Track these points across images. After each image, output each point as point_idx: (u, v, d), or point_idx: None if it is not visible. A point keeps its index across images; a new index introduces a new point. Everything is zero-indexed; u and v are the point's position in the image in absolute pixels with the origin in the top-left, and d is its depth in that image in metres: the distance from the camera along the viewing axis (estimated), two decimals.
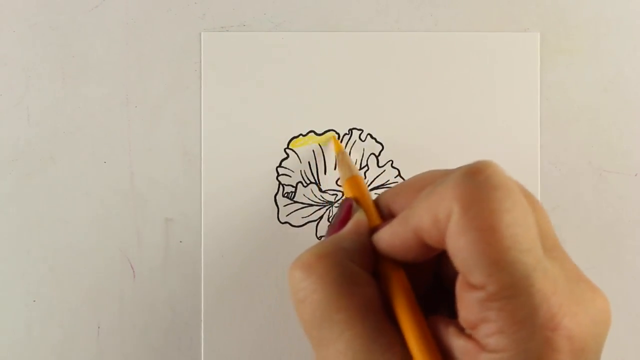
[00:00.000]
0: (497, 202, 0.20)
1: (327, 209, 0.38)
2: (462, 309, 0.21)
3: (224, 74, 0.38)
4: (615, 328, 0.39)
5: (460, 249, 0.20)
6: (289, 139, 0.38)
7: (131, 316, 0.38)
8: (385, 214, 0.27)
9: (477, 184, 0.20)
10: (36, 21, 0.38)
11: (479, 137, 0.39)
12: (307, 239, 0.38)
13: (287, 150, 0.38)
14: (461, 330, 0.21)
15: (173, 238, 0.38)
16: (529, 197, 0.23)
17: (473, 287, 0.20)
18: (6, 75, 0.38)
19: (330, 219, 0.38)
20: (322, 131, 0.38)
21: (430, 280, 0.26)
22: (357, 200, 0.28)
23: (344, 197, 0.29)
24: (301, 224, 0.38)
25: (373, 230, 0.25)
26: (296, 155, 0.38)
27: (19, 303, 0.38)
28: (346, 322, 0.22)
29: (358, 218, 0.26)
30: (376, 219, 0.27)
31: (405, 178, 0.39)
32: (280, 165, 0.38)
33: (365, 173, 0.39)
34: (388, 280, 0.24)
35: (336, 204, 0.39)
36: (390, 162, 0.39)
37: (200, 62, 0.38)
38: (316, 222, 0.38)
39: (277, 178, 0.38)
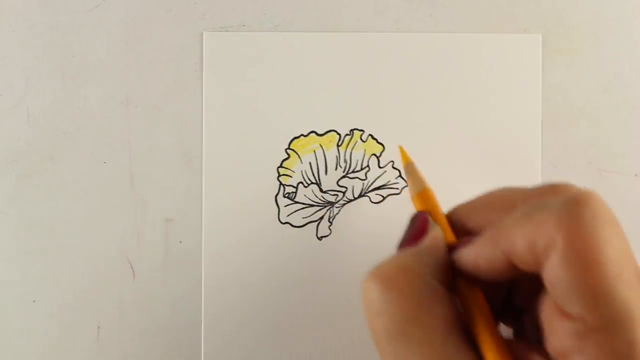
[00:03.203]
0: (603, 236, 0.20)
1: (327, 210, 0.39)
2: (553, 336, 0.21)
3: (226, 74, 0.38)
4: None
5: (562, 279, 0.20)
6: (290, 139, 0.38)
7: (131, 316, 0.38)
8: (458, 231, 0.26)
9: (583, 216, 0.20)
10: (36, 21, 0.38)
11: (480, 138, 0.39)
12: (307, 239, 0.38)
13: (288, 151, 0.38)
14: (545, 356, 0.21)
15: (173, 238, 0.38)
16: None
17: (568, 316, 0.20)
18: (6, 75, 0.38)
19: (330, 219, 0.38)
20: (324, 132, 0.38)
21: (502, 299, 0.25)
22: (429, 215, 0.28)
23: (416, 211, 0.29)
24: (302, 224, 0.38)
25: (449, 247, 0.25)
26: (297, 156, 0.38)
27: (19, 303, 0.38)
28: (425, 338, 0.21)
29: (436, 233, 0.26)
30: (451, 236, 0.26)
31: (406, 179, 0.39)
32: (281, 166, 0.38)
33: (366, 174, 0.39)
34: (466, 300, 0.23)
35: (337, 205, 0.39)
36: (392, 162, 0.39)
37: (202, 62, 0.38)
38: (317, 223, 0.38)
39: (278, 178, 0.38)
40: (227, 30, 0.38)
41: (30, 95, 0.38)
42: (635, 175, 0.39)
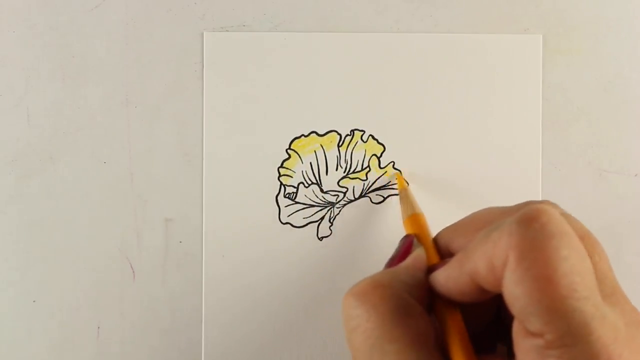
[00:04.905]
0: (553, 250, 0.20)
1: (328, 210, 0.39)
2: (520, 353, 0.21)
3: (226, 74, 0.38)
4: None
5: (517, 297, 0.20)
6: (290, 140, 0.38)
7: (131, 316, 0.38)
8: (444, 253, 0.27)
9: (532, 232, 0.20)
10: (36, 21, 0.38)
11: (480, 138, 0.39)
12: (308, 239, 0.38)
13: (289, 151, 0.38)
14: None
15: (173, 238, 0.38)
16: (587, 238, 0.23)
17: (531, 333, 0.20)
18: (6, 75, 0.38)
19: (331, 220, 0.39)
20: (324, 132, 0.38)
21: (491, 317, 0.26)
22: (417, 237, 0.29)
23: (405, 234, 0.30)
24: (302, 224, 0.38)
25: (431, 268, 0.25)
26: (298, 156, 0.38)
27: (19, 303, 0.38)
28: (398, 353, 0.21)
29: (417, 254, 0.26)
30: (435, 257, 0.27)
31: (407, 179, 0.39)
32: (281, 166, 0.38)
33: (367, 174, 0.39)
34: (443, 320, 0.24)
35: (337, 205, 0.39)
36: (392, 163, 0.39)
37: (202, 62, 0.38)
38: (317, 223, 0.38)
39: (278, 178, 0.38)
40: (227, 30, 0.38)
41: (30, 95, 0.38)
42: (635, 175, 0.39)
